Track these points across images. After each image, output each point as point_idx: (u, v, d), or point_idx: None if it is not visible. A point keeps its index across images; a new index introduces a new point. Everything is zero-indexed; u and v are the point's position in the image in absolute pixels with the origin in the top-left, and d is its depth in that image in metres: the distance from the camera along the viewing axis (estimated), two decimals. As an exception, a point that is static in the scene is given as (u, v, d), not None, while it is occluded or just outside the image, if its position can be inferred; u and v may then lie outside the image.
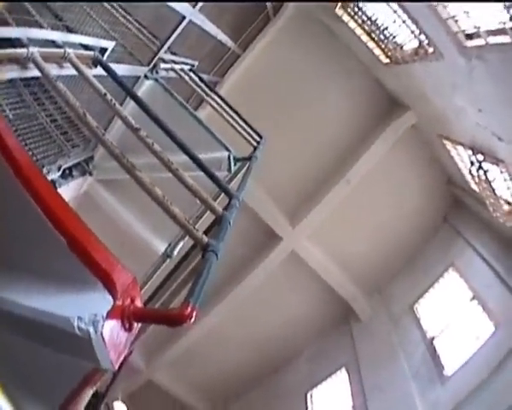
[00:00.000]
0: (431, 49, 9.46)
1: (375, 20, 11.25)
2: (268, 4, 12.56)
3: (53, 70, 4.09)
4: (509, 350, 10.55)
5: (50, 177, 5.95)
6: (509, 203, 11.10)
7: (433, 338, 13.05)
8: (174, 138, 4.09)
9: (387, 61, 12.36)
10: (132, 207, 7.22)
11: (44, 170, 5.79)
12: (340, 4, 11.79)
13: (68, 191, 6.62)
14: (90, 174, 7.13)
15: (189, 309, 2.14)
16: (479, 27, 7.32)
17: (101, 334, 1.77)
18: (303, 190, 15.80)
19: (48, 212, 1.93)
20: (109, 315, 1.84)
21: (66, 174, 6.57)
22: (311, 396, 16.01)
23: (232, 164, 6.52)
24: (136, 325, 2.03)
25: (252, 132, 7.82)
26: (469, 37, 7.84)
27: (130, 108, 4.20)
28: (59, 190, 5.83)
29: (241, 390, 18.36)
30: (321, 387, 16.06)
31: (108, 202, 7.38)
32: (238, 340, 17.89)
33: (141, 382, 17.77)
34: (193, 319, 2.13)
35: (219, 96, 8.29)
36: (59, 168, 6.21)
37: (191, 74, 8.16)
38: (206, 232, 3.20)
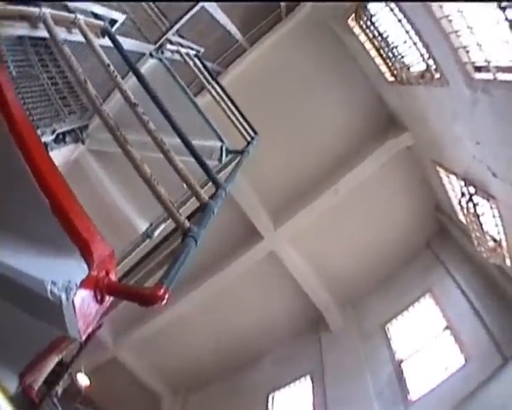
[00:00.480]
0: (437, 75, 9.44)
1: (386, 37, 11.25)
2: (282, 4, 12.54)
3: (61, 34, 4.09)
4: (476, 386, 10.59)
5: (44, 139, 5.94)
6: (494, 240, 11.12)
7: (401, 361, 13.11)
8: (170, 120, 4.09)
9: (392, 79, 12.35)
10: (120, 183, 7.22)
11: (39, 131, 5.78)
12: (353, 16, 11.78)
13: (59, 156, 6.61)
14: (83, 143, 7.13)
15: (162, 291, 2.15)
16: (489, 62, 7.30)
17: (73, 302, 1.79)
18: (290, 192, 15.80)
19: (36, 172, 1.93)
20: (83, 284, 1.85)
21: (60, 139, 6.56)
22: (273, 399, 16.02)
23: (224, 155, 6.52)
24: (108, 299, 2.03)
25: (247, 127, 7.81)
26: (478, 69, 7.79)
27: (131, 83, 4.20)
28: (50, 154, 5.82)
29: (204, 381, 18.37)
30: (283, 391, 16.09)
31: (97, 173, 7.38)
32: (207, 331, 17.93)
33: (106, 358, 17.75)
34: (164, 301, 2.15)
35: (220, 87, 8.28)
36: (53, 132, 6.20)
37: (196, 60, 8.14)
38: (188, 218, 3.20)
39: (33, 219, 1.97)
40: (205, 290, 16.46)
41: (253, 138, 7.52)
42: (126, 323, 16.59)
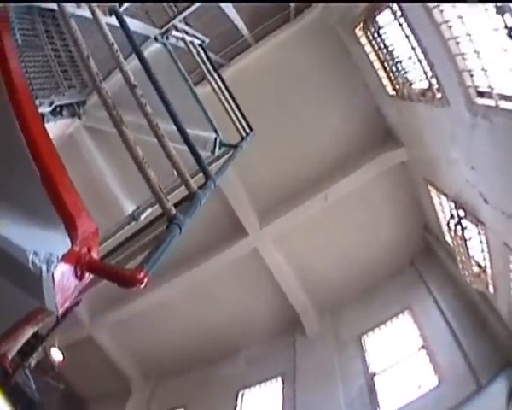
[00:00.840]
0: (439, 95, 9.39)
1: (392, 51, 11.23)
2: (291, 5, 12.52)
3: (70, 7, 4.10)
4: (448, 409, 10.62)
5: (41, 110, 5.94)
6: (479, 266, 11.13)
7: (374, 374, 13.16)
8: (167, 105, 4.08)
9: (393, 93, 12.35)
10: (112, 162, 7.20)
11: (37, 101, 5.78)
12: (361, 26, 11.76)
13: (55, 129, 6.60)
14: (79, 118, 7.12)
15: (142, 274, 2.16)
16: (492, 88, 7.27)
17: (52, 275, 1.79)
18: (280, 192, 15.81)
19: (30, 141, 1.94)
20: (64, 258, 1.86)
21: (57, 112, 6.55)
22: (243, 396, 16.09)
23: (217, 147, 6.52)
24: (88, 276, 2.04)
25: (243, 123, 7.79)
26: (481, 94, 7.73)
27: (133, 65, 4.20)
28: (46, 125, 5.82)
29: (176, 370, 18.49)
30: (254, 390, 16.16)
31: (90, 150, 7.36)
32: (185, 321, 17.95)
33: (81, 335, 17.77)
34: (143, 285, 2.15)
35: (221, 79, 8.24)
36: (51, 104, 6.20)
37: (199, 50, 8.12)
38: (175, 205, 3.20)
39: (23, 188, 1.98)
40: (186, 280, 16.49)
41: (247, 134, 7.53)
42: (105, 303, 16.62)
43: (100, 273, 2.08)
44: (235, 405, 15.75)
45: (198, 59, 7.79)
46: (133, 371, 19.34)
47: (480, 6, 6.20)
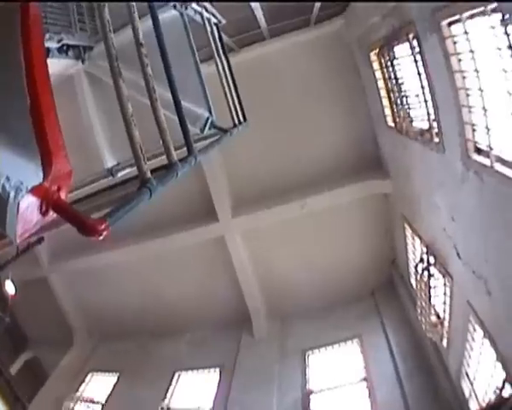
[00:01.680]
0: (436, 140, 9.37)
1: (401, 84, 11.25)
2: (314, 10, 12.45)
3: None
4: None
5: (48, 44, 5.94)
6: (438, 317, 11.16)
7: (311, 392, 13.20)
8: (168, 71, 4.07)
9: (392, 125, 12.39)
10: (103, 114, 7.20)
11: (47, 35, 5.79)
12: (376, 51, 11.76)
13: (57, 66, 6.61)
14: (83, 62, 7.11)
15: (103, 226, 2.17)
16: (491, 148, 7.26)
17: (18, 203, 1.82)
18: (260, 189, 15.91)
19: (28, 69, 1.97)
20: (33, 191, 1.89)
21: (63, 50, 6.56)
22: (179, 377, 16.18)
23: (207, 127, 6.51)
24: (51, 214, 2.06)
25: (239, 111, 7.79)
26: (478, 151, 7.73)
27: (145, 25, 4.19)
28: (49, 60, 5.82)
29: (120, 335, 18.61)
30: (191, 374, 16.25)
31: (85, 96, 7.35)
32: (140, 288, 18.08)
33: (37, 275, 17.84)
34: (101, 237, 2.17)
35: (228, 63, 8.21)
36: (59, 41, 6.20)
37: (214, 29, 8.10)
38: (153, 171, 3.22)
39: (10, 113, 2.01)
40: (149, 248, 16.57)
41: (240, 123, 7.53)
42: (67, 250, 16.66)
43: (63, 214, 2.09)
44: (170, 384, 15.83)
45: (210, 37, 7.77)
46: (79, 324, 19.37)
47: (499, 63, 6.23)
